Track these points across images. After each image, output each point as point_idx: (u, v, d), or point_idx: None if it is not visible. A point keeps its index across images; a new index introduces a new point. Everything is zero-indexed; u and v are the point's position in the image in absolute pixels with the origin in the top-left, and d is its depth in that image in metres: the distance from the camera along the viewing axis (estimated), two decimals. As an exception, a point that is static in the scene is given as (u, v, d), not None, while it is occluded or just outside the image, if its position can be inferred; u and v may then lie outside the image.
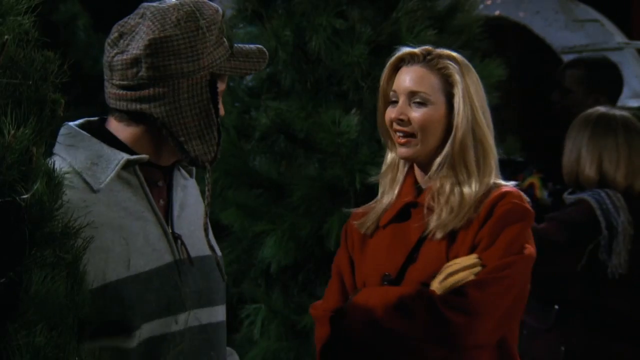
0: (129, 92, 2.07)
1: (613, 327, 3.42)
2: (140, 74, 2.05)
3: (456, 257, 2.40)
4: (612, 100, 4.43)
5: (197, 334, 2.10)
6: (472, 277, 2.35)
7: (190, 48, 2.06)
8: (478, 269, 2.37)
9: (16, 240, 1.29)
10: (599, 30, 6.64)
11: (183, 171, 2.23)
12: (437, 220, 2.42)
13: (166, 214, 2.13)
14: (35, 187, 1.27)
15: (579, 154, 3.48)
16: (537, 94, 6.75)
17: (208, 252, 2.17)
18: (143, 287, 2.01)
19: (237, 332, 4.20)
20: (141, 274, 2.01)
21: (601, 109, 3.60)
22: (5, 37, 1.24)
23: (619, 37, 6.71)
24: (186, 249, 2.11)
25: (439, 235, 2.41)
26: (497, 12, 6.62)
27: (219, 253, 2.24)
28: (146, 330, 1.99)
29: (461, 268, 2.37)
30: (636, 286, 3.40)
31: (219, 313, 2.20)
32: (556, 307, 3.47)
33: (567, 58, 6.21)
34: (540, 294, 3.59)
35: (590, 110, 3.61)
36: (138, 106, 2.06)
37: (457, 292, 2.34)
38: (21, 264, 1.30)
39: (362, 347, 2.41)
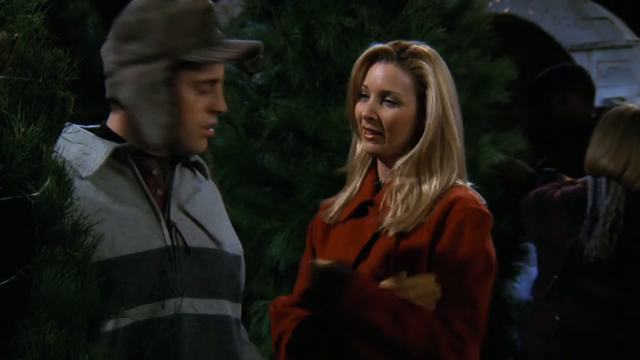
0: (108, 80, 2.14)
1: (596, 307, 3.43)
2: (111, 59, 2.11)
3: (405, 257, 2.39)
4: (587, 99, 4.54)
5: (192, 322, 2.10)
6: (433, 305, 2.34)
7: (149, 33, 2.09)
8: (438, 295, 2.35)
9: (26, 238, 1.29)
10: (608, 28, 6.63)
11: (199, 173, 2.25)
12: (392, 218, 2.41)
13: (163, 203, 2.14)
14: (46, 185, 1.27)
15: (607, 149, 3.47)
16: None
17: (213, 245, 2.17)
18: (127, 269, 2.01)
19: (246, 328, 4.20)
20: (127, 256, 2.02)
21: (635, 106, 3.59)
22: (15, 35, 1.24)
23: (628, 35, 6.70)
24: (182, 237, 2.11)
25: (391, 232, 2.41)
26: (506, 10, 6.61)
27: (229, 250, 2.24)
28: (131, 314, 1.99)
29: (422, 294, 2.36)
30: (617, 276, 3.40)
31: (222, 306, 2.19)
32: (555, 277, 3.49)
33: (576, 56, 6.20)
34: (539, 261, 3.64)
35: (622, 107, 3.60)
36: (112, 91, 2.13)
37: (457, 336, 2.32)
38: (31, 261, 1.30)
39: (348, 350, 2.36)
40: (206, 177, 2.28)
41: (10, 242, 1.28)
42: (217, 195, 2.32)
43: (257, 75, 4.20)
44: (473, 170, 4.01)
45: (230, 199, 4.02)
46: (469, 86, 4.11)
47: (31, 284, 1.29)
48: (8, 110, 1.25)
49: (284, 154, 4.12)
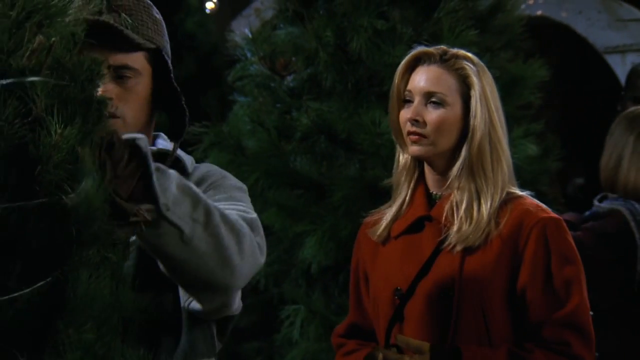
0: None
1: None
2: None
3: (475, 272, 2.36)
4: None
5: None
6: None
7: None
8: None
9: (63, 239, 1.30)
10: (642, 30, 6.59)
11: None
12: (458, 233, 2.36)
13: None
14: (82, 187, 1.28)
15: (620, 157, 3.38)
16: (579, 94, 6.70)
17: None
18: None
19: (277, 332, 4.21)
20: None
21: None
22: (52, 39, 1.26)
23: (662, 37, 6.65)
24: None
25: (458, 247, 2.35)
26: (539, 12, 6.58)
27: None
28: None
29: None
30: None
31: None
32: (591, 313, 3.37)
33: (610, 58, 6.17)
34: None
35: (633, 110, 3.50)
36: None
37: (577, 358, 2.35)
38: (67, 263, 1.31)
39: None
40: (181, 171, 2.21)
41: (47, 244, 1.29)
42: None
43: (289, 78, 4.21)
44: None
45: (262, 202, 4.02)
46: (501, 87, 4.08)
47: (67, 286, 1.30)
48: (45, 113, 1.27)
49: (315, 156, 4.12)
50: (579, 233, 3.29)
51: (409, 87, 2.43)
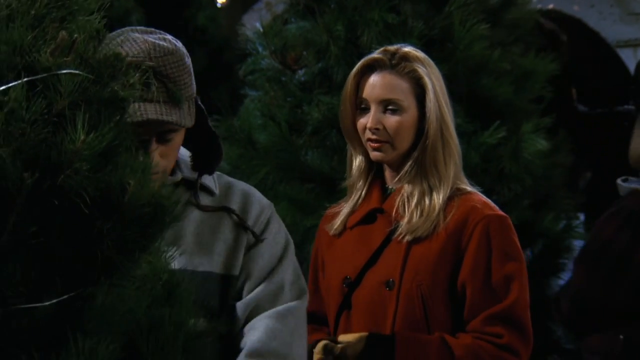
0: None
1: None
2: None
3: (420, 261, 2.43)
4: None
5: None
6: None
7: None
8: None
9: (90, 257, 1.28)
10: (654, 24, 6.58)
11: (203, 193, 2.22)
12: (408, 224, 2.45)
13: None
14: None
15: None
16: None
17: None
18: None
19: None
20: None
21: None
22: (75, 35, 1.25)
23: (673, 31, 6.63)
24: None
25: (407, 238, 2.45)
26: (551, 6, 6.57)
27: (210, 269, 2.19)
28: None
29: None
30: None
31: None
32: (621, 336, 3.27)
33: (621, 52, 6.16)
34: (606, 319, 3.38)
35: None
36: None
37: (510, 349, 2.39)
38: (94, 283, 1.30)
39: None
40: (212, 193, 2.23)
41: (72, 257, 1.27)
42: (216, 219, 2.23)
43: (300, 72, 4.21)
44: (515, 160, 3.99)
45: (272, 196, 4.02)
46: (512, 81, 4.10)
47: (87, 298, 1.28)
48: (68, 111, 1.25)
49: (326, 150, 4.12)
50: (603, 226, 3.28)
51: (364, 95, 2.53)
